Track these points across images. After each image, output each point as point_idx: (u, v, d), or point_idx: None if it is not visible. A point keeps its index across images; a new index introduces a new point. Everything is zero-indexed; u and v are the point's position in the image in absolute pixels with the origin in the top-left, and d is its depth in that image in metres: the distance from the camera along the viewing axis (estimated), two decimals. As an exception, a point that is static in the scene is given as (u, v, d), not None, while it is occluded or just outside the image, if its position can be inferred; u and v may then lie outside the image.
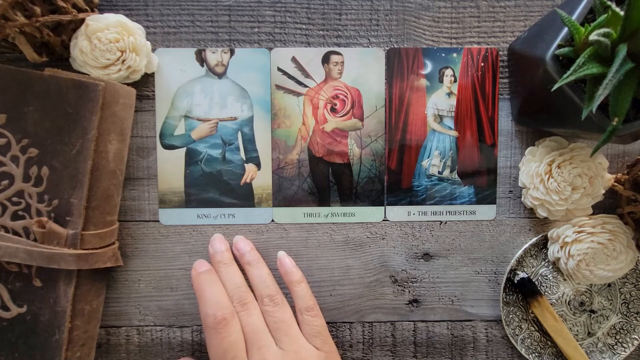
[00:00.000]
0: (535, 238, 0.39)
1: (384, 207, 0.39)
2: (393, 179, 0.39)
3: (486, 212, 0.39)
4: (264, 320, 0.35)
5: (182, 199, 0.38)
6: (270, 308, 0.35)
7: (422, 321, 0.40)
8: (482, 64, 0.39)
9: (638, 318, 0.39)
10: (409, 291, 0.40)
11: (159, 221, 0.38)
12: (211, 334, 0.33)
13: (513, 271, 0.39)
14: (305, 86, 0.39)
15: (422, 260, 0.40)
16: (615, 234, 0.36)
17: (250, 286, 0.36)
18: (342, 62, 0.39)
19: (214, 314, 0.33)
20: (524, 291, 0.38)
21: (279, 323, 0.34)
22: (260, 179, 0.39)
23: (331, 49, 0.38)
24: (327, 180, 0.39)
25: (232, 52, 0.38)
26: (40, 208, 0.34)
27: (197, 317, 0.39)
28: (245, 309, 0.34)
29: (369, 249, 0.39)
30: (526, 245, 0.39)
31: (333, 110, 0.39)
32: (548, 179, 0.36)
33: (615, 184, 0.38)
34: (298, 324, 0.35)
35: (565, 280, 0.39)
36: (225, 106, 0.38)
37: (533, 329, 0.40)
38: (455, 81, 0.39)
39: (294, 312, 0.36)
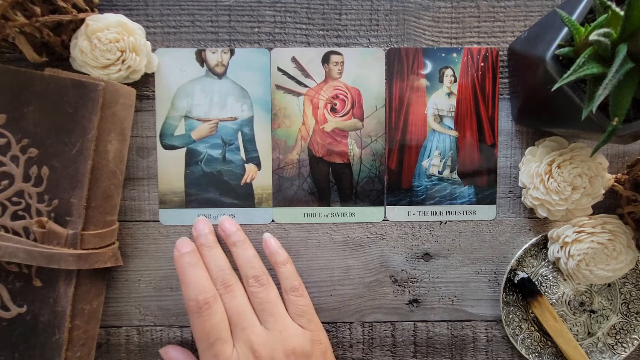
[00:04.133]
0: (535, 238, 0.39)
1: (384, 207, 0.39)
2: (393, 179, 0.39)
3: (486, 212, 0.39)
4: (249, 301, 0.35)
5: (182, 199, 0.38)
6: (255, 289, 0.35)
7: (422, 321, 0.40)
8: (482, 64, 0.39)
9: (638, 318, 0.39)
10: (409, 291, 0.40)
11: (159, 221, 0.39)
12: (194, 317, 0.33)
13: (513, 271, 0.39)
14: (305, 86, 0.39)
15: (422, 260, 0.40)
16: (615, 234, 0.36)
17: (236, 268, 0.36)
18: (342, 62, 0.39)
19: (196, 298, 0.33)
20: (524, 291, 0.38)
21: (264, 304, 0.35)
22: (261, 179, 0.39)
23: (331, 49, 0.38)
24: (327, 180, 0.39)
25: (232, 52, 0.38)
26: (40, 208, 0.34)
27: (197, 317, 0.39)
28: (228, 291, 0.34)
29: (369, 249, 0.39)
30: (526, 245, 0.39)
31: (333, 110, 0.39)
32: (548, 179, 0.36)
33: (615, 184, 0.38)
34: (284, 304, 0.36)
35: (565, 280, 0.39)
36: (225, 106, 0.38)
37: (533, 329, 0.40)
38: (455, 81, 0.39)
39: (280, 292, 0.36)
